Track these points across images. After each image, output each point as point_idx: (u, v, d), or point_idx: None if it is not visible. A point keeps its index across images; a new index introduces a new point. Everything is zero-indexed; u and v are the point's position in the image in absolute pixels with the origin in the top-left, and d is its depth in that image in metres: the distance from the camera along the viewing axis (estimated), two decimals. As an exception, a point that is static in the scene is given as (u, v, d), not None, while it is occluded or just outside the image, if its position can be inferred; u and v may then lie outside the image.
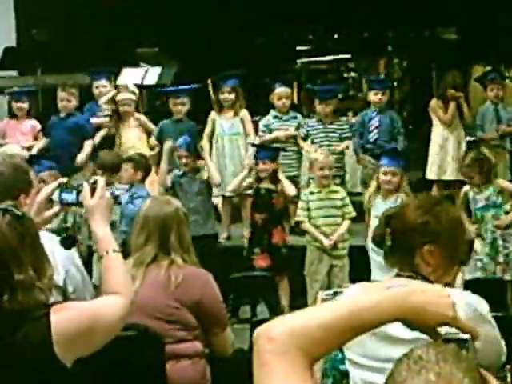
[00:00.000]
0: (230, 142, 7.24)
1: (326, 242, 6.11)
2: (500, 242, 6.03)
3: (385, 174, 5.98)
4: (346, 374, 2.60)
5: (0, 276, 2.30)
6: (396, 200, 5.74)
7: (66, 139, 7.30)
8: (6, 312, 2.28)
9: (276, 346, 1.49)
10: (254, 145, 6.88)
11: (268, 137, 7.32)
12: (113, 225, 6.36)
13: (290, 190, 6.38)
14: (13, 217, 2.36)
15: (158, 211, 3.58)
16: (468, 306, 2.32)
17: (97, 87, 7.78)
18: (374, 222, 5.19)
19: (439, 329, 1.60)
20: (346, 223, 6.21)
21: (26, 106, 7.65)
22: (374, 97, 7.46)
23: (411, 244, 2.42)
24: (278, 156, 6.58)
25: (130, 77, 8.24)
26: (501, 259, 5.98)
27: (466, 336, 1.59)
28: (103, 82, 7.78)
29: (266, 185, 6.38)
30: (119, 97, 7.52)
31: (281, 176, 6.46)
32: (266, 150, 6.58)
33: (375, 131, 7.32)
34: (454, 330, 1.61)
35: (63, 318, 2.30)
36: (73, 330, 2.30)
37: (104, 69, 8.00)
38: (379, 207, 5.64)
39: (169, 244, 3.52)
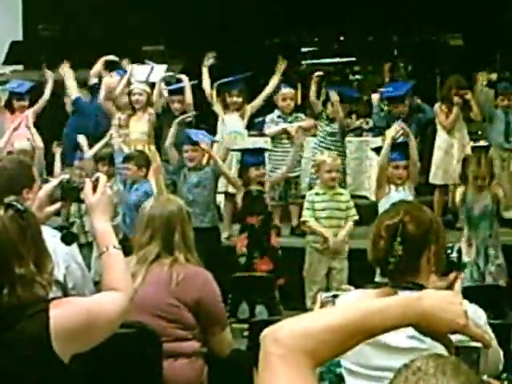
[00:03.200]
0: (229, 140, 7.23)
1: (331, 241, 6.09)
2: (491, 252, 6.02)
3: (396, 167, 6.08)
4: (341, 377, 2.60)
5: (0, 270, 2.30)
6: (410, 189, 6.06)
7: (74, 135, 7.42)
8: (4, 306, 2.29)
9: (282, 347, 1.49)
10: (240, 150, 6.81)
11: (276, 128, 7.40)
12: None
13: None
14: (15, 211, 2.36)
15: (162, 210, 3.59)
16: None
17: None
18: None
19: (451, 336, 1.59)
20: (350, 224, 6.21)
21: (26, 103, 7.81)
22: (395, 110, 7.44)
23: (423, 245, 2.45)
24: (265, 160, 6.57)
25: (136, 74, 8.26)
26: (492, 269, 5.97)
27: (478, 344, 1.58)
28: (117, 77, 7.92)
29: (255, 187, 6.35)
30: (131, 87, 7.64)
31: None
32: (256, 155, 6.48)
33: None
34: (465, 337, 1.60)
35: (62, 312, 2.30)
36: (71, 325, 2.30)
37: (117, 65, 8.09)
38: (392, 197, 5.71)
39: (173, 242, 3.53)
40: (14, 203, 2.38)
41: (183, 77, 7.64)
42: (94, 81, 8.11)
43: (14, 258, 2.31)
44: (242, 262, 6.25)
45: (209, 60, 7.65)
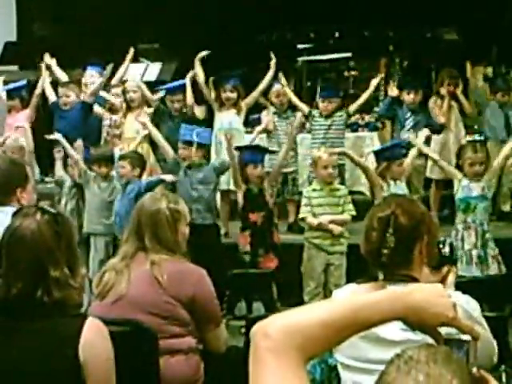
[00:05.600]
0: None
1: (336, 229, 6.08)
2: (488, 235, 6.03)
3: (400, 165, 6.20)
4: (334, 368, 2.61)
5: (35, 272, 2.38)
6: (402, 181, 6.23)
7: (68, 132, 7.40)
8: (40, 302, 2.37)
9: (272, 342, 1.49)
10: (239, 148, 6.74)
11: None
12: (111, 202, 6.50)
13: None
14: (51, 216, 2.44)
15: (139, 210, 3.62)
16: (458, 307, 2.32)
17: (84, 77, 7.98)
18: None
19: (440, 329, 1.60)
20: (347, 215, 6.21)
21: (16, 103, 7.82)
22: (406, 96, 7.49)
23: (415, 236, 2.45)
24: (264, 158, 6.56)
25: (131, 73, 8.27)
26: (491, 252, 5.98)
27: (467, 337, 1.59)
28: (93, 72, 7.91)
29: (255, 185, 6.32)
30: (126, 84, 7.66)
31: None
32: (255, 153, 6.45)
33: (411, 131, 7.34)
34: (454, 330, 1.61)
35: (96, 346, 2.38)
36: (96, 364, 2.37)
37: (94, 61, 8.07)
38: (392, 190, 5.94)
39: (145, 243, 3.54)
40: (49, 208, 2.48)
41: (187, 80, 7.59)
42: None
43: (49, 261, 2.39)
44: (247, 260, 6.24)
45: (201, 55, 7.62)
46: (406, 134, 7.27)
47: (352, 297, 1.65)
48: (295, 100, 7.56)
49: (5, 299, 2.40)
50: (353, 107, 7.53)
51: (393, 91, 7.76)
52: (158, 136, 6.74)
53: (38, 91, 7.85)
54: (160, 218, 3.57)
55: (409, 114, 7.52)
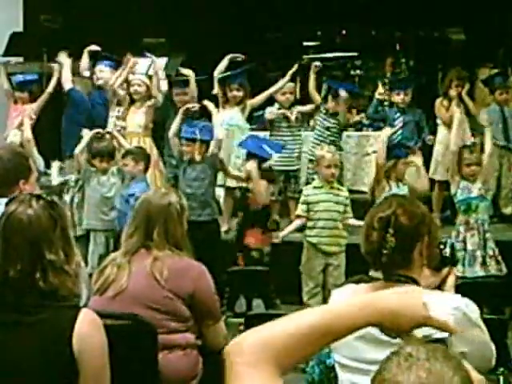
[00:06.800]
0: (227, 133, 7.21)
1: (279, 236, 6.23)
2: (488, 235, 6.07)
3: (404, 164, 6.29)
4: (332, 368, 2.61)
5: (33, 255, 2.41)
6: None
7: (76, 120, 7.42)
8: (39, 291, 2.38)
9: (247, 357, 1.51)
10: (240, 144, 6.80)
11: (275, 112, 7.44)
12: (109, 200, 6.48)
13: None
14: (46, 202, 2.48)
15: (148, 204, 3.60)
16: (457, 310, 2.33)
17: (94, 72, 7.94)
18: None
19: (418, 329, 1.60)
20: (351, 221, 6.21)
21: (25, 95, 7.80)
22: (396, 97, 7.52)
23: (415, 237, 2.45)
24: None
25: (136, 67, 8.25)
26: (490, 252, 6.01)
27: (444, 334, 1.59)
28: (102, 67, 7.89)
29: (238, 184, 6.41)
30: (131, 77, 7.62)
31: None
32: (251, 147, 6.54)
33: (399, 132, 7.35)
34: (433, 330, 1.61)
35: (90, 338, 2.37)
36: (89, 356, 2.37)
37: (104, 56, 8.05)
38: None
39: (153, 237, 3.52)
40: (44, 196, 2.52)
41: (189, 71, 7.60)
42: (86, 74, 8.08)
43: (45, 244, 2.42)
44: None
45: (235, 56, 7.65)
46: (394, 136, 7.29)
47: (325, 306, 1.67)
48: (312, 89, 7.54)
49: (3, 284, 2.41)
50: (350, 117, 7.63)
51: (381, 94, 7.82)
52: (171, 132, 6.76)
53: (50, 89, 7.81)
54: (171, 212, 3.58)
55: (398, 115, 7.53)
